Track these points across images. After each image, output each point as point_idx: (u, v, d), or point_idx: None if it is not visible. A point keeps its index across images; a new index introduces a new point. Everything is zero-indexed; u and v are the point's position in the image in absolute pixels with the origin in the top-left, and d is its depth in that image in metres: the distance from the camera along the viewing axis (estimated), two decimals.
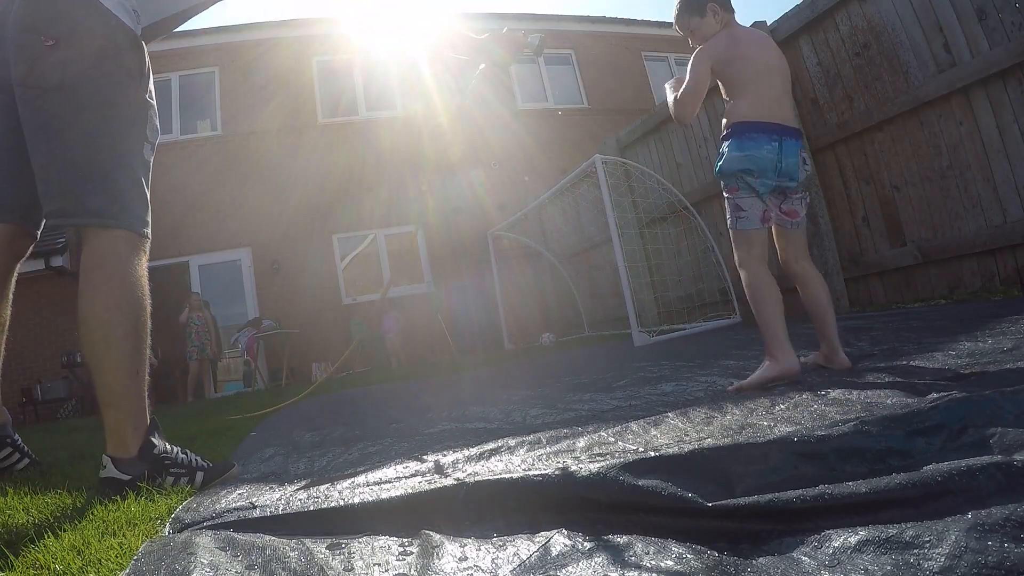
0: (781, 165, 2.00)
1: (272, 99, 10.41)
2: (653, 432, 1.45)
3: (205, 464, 1.64)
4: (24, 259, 1.88)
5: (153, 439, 1.56)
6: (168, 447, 1.60)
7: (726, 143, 2.06)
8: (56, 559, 1.03)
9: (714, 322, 5.35)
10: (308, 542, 0.97)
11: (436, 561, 0.84)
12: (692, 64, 2.15)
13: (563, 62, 12.22)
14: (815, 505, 0.81)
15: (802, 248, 2.17)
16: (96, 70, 1.52)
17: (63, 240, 8.38)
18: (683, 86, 2.17)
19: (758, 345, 2.31)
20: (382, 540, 0.97)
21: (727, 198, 2.08)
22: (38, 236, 1.88)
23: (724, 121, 2.13)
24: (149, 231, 1.64)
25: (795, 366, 1.96)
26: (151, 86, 1.67)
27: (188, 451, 1.65)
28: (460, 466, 1.36)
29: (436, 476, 1.28)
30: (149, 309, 1.60)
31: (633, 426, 1.53)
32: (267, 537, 1.01)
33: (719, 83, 2.19)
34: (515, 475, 1.06)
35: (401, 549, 0.93)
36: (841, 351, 2.10)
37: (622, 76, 12.27)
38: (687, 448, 1.06)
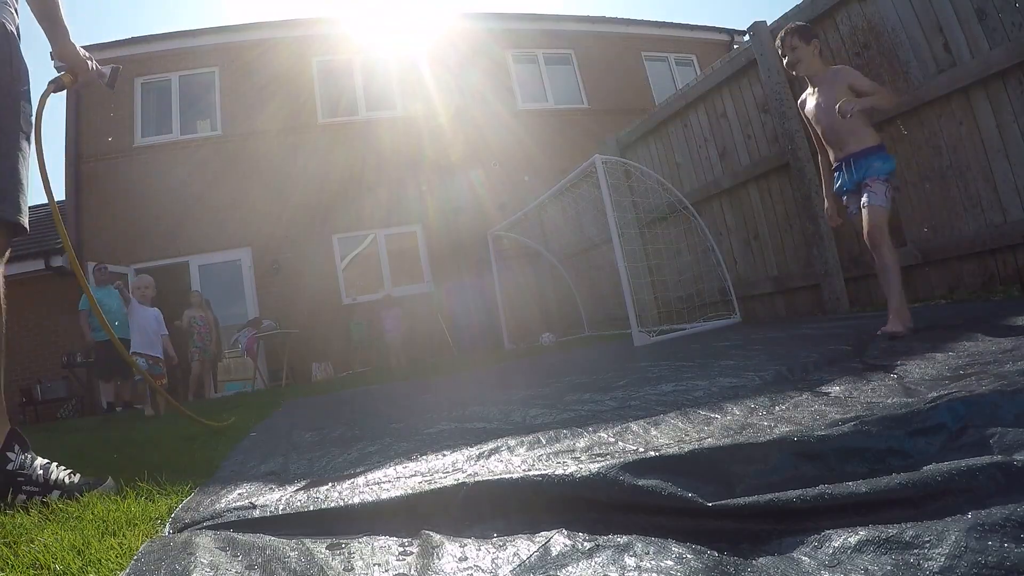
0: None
1: (272, 99, 10.40)
2: (653, 432, 1.45)
3: (70, 483, 1.53)
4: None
5: (10, 454, 1.46)
6: (31, 463, 1.49)
7: (883, 152, 2.87)
8: (56, 559, 1.03)
9: (714, 322, 5.35)
10: (308, 542, 0.97)
11: (436, 561, 0.84)
12: (862, 76, 2.86)
13: (563, 62, 12.22)
14: (815, 505, 0.81)
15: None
16: None
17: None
18: (881, 94, 2.79)
19: (758, 345, 2.32)
20: (382, 540, 0.97)
21: (890, 185, 2.82)
22: None
23: (865, 134, 2.86)
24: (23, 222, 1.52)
25: (909, 322, 2.67)
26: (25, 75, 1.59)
27: (63, 468, 1.54)
28: (460, 466, 1.36)
29: (436, 476, 1.28)
30: (5, 315, 1.50)
31: (633, 426, 1.53)
32: (267, 537, 1.01)
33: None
34: (515, 475, 1.06)
35: (401, 549, 0.93)
36: (897, 319, 2.66)
37: (622, 76, 12.26)
38: (687, 448, 1.06)
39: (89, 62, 1.97)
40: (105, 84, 2.27)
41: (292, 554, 0.91)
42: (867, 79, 2.85)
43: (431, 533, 0.93)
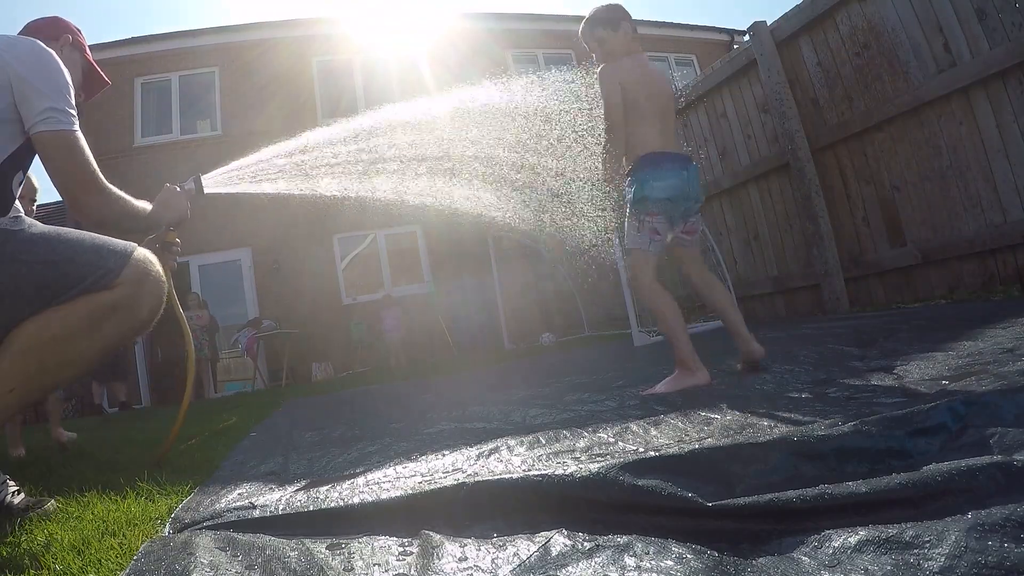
0: (690, 191, 2.19)
1: (272, 99, 10.40)
2: (653, 432, 1.45)
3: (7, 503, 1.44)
4: None
5: None
6: None
7: (645, 171, 2.17)
8: (56, 559, 1.03)
9: (714, 322, 5.34)
10: (308, 542, 0.97)
11: (436, 561, 0.84)
12: (601, 81, 2.24)
13: (563, 62, 12.22)
14: (815, 505, 0.81)
15: (700, 260, 2.38)
16: None
17: None
18: (606, 115, 2.24)
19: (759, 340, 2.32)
20: (382, 540, 0.97)
21: (644, 221, 2.18)
22: None
23: (627, 149, 2.23)
24: None
25: (707, 377, 2.10)
26: None
27: (9, 485, 1.46)
28: (460, 466, 1.36)
29: (436, 476, 1.28)
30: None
31: (633, 426, 1.53)
32: (267, 537, 1.01)
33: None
34: (515, 475, 1.06)
35: (401, 549, 0.93)
36: (753, 341, 2.26)
37: None
38: (687, 448, 1.06)
39: (175, 201, 1.86)
40: (196, 194, 2.24)
41: (292, 554, 0.91)
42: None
43: (431, 533, 0.93)
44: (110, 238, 1.34)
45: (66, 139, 1.31)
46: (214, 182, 2.37)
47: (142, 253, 1.33)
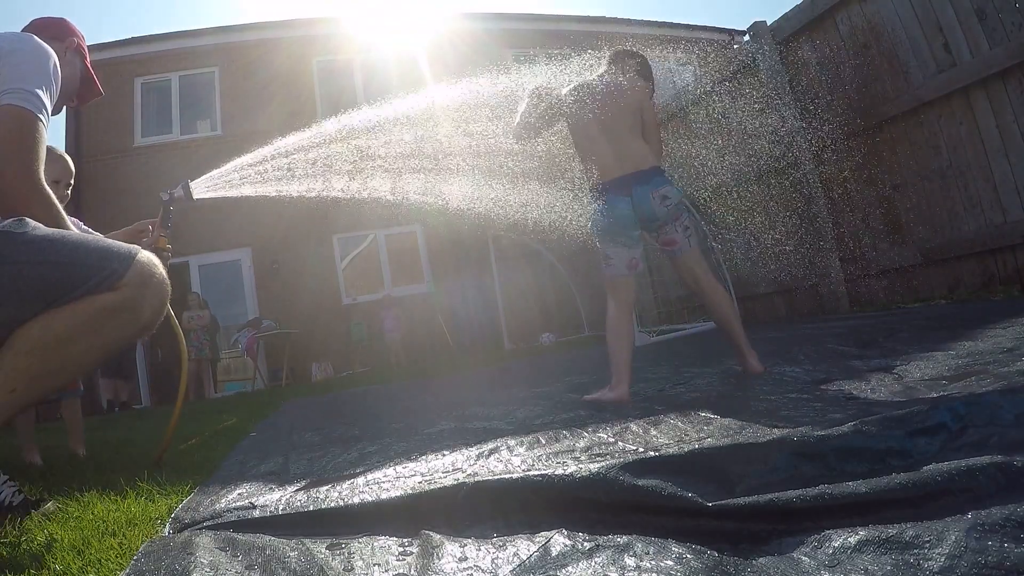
0: (638, 214, 2.17)
1: (272, 99, 10.39)
2: (653, 432, 1.45)
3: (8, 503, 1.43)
4: None
5: None
6: None
7: (593, 203, 2.23)
8: (56, 559, 1.03)
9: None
10: (308, 542, 0.97)
11: (436, 561, 0.84)
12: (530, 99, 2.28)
13: (563, 62, 12.21)
14: (815, 505, 0.81)
15: (700, 266, 2.29)
16: None
17: None
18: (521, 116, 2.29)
19: (758, 345, 2.32)
20: (382, 540, 0.97)
21: (599, 249, 2.25)
22: None
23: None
24: None
25: (627, 396, 2.09)
26: None
27: (8, 486, 1.45)
28: (460, 466, 1.36)
29: (436, 476, 1.28)
30: None
31: (633, 426, 1.53)
32: (267, 537, 1.01)
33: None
34: (515, 475, 1.06)
35: (401, 549, 0.93)
36: (752, 357, 2.22)
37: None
38: (687, 448, 1.06)
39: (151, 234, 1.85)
40: (186, 200, 2.21)
41: (292, 554, 0.91)
42: None
43: (431, 533, 0.93)
44: (113, 241, 1.33)
45: (26, 118, 1.27)
46: (204, 187, 2.37)
47: (146, 256, 1.32)
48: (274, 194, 2.85)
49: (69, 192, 2.29)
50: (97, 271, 1.23)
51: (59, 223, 1.33)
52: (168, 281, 1.35)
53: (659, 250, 2.31)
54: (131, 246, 1.32)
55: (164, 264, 1.88)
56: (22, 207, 1.27)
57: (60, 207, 1.36)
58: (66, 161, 2.27)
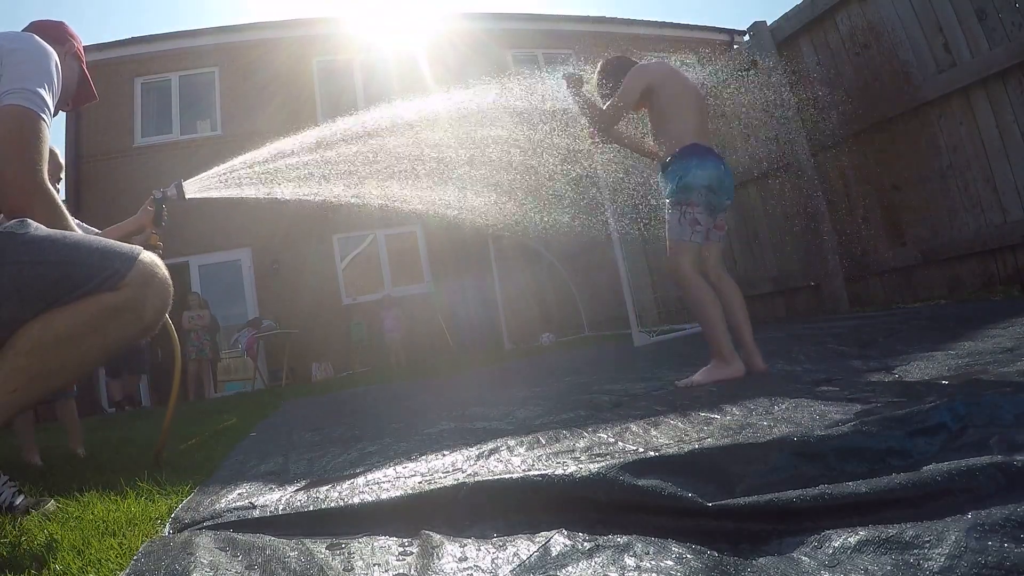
0: (727, 183, 2.26)
1: (272, 99, 10.39)
2: (653, 432, 1.45)
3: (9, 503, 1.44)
4: None
5: None
6: None
7: (687, 160, 2.20)
8: (56, 559, 1.03)
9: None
10: (308, 542, 0.97)
11: (436, 561, 0.84)
12: (630, 76, 2.31)
13: (563, 62, 12.22)
14: (815, 505, 0.81)
15: (721, 259, 2.38)
16: None
17: None
18: (614, 100, 2.32)
19: (758, 345, 2.32)
20: (382, 540, 0.97)
21: (686, 212, 2.20)
22: None
23: (662, 142, 2.29)
24: None
25: (742, 369, 2.16)
26: None
27: (9, 486, 1.46)
28: (460, 466, 1.36)
29: (436, 476, 1.28)
30: None
31: (633, 426, 1.53)
32: (267, 537, 1.01)
33: (648, 107, 2.36)
34: (515, 475, 1.06)
35: (401, 549, 0.93)
36: (756, 355, 2.23)
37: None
38: (687, 448, 1.06)
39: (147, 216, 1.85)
40: (179, 199, 2.22)
41: (292, 554, 0.91)
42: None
43: (431, 533, 0.93)
44: (115, 241, 1.33)
45: (29, 117, 1.27)
46: (197, 187, 2.38)
47: (149, 256, 1.32)
48: (267, 196, 2.87)
49: (60, 187, 2.29)
50: (99, 271, 1.22)
51: (62, 222, 1.33)
52: (170, 281, 1.35)
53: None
54: (133, 246, 1.32)
55: None
56: (25, 206, 1.27)
57: (63, 206, 1.36)
58: (55, 155, 2.28)
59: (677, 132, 2.24)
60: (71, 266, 1.22)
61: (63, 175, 2.34)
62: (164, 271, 1.34)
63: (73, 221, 1.45)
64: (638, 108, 2.42)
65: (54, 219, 1.30)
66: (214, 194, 2.57)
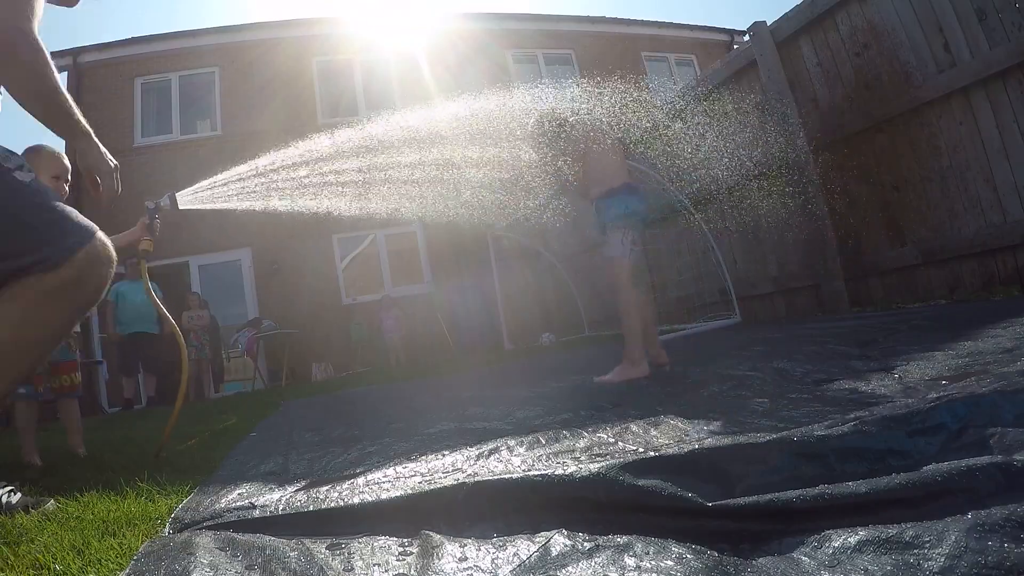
0: (644, 213, 2.87)
1: (272, 99, 10.39)
2: (653, 432, 1.45)
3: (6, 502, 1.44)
4: None
5: None
6: None
7: (622, 196, 2.79)
8: (56, 559, 1.03)
9: (714, 322, 5.35)
10: (308, 542, 0.97)
11: (436, 561, 0.84)
12: (586, 164, 2.94)
13: (563, 62, 12.21)
14: (815, 505, 0.81)
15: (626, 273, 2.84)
16: None
17: None
18: (583, 178, 2.97)
19: (759, 345, 2.32)
20: (382, 540, 0.97)
21: (625, 233, 2.75)
22: None
23: (597, 186, 2.86)
24: None
25: (647, 370, 2.64)
26: None
27: (5, 486, 1.46)
28: (460, 466, 1.36)
29: (436, 476, 1.28)
30: None
31: (633, 426, 1.53)
32: (267, 537, 1.01)
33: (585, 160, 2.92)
34: (515, 475, 1.06)
35: (401, 549, 0.93)
36: (663, 351, 2.88)
37: (622, 76, 12.26)
38: (687, 448, 1.06)
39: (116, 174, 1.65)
40: (172, 209, 2.22)
41: (292, 554, 0.91)
42: None
43: (431, 533, 0.93)
44: (76, 213, 1.27)
45: None
46: (190, 199, 2.38)
47: (101, 237, 1.28)
48: (262, 208, 2.90)
49: (67, 188, 2.28)
50: (49, 243, 1.19)
51: (46, 68, 1.27)
52: (115, 258, 1.32)
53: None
54: (90, 225, 1.28)
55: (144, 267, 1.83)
56: (7, 50, 1.21)
57: (48, 54, 1.29)
58: (60, 156, 2.28)
59: (612, 174, 2.85)
60: (23, 228, 1.18)
61: (70, 177, 2.32)
62: (112, 252, 1.31)
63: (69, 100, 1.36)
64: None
65: (37, 64, 1.25)
66: (208, 206, 2.59)
